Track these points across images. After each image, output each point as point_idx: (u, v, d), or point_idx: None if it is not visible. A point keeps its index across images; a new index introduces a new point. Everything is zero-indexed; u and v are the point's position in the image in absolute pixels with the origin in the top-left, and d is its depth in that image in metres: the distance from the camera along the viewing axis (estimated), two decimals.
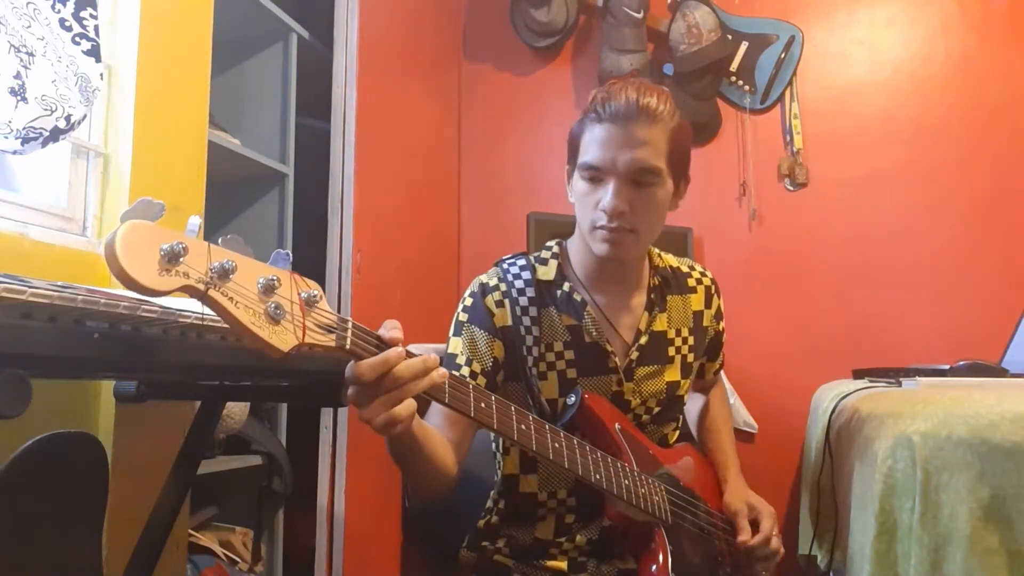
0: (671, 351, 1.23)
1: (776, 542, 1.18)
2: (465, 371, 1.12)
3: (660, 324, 1.22)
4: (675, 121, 1.13)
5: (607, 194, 1.09)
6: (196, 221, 0.61)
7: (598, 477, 1.01)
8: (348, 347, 0.74)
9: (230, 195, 2.13)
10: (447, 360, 1.15)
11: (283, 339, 0.66)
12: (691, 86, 2.56)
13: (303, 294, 0.70)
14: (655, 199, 1.12)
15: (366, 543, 2.03)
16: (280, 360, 0.67)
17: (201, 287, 0.60)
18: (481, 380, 1.12)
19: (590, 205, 1.13)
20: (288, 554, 2.07)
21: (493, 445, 1.27)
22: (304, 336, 0.68)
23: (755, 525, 1.19)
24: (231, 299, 0.62)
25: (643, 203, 1.11)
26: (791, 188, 2.52)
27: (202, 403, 1.28)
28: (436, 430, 1.06)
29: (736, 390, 2.33)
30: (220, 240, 0.64)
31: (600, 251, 1.13)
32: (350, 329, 0.75)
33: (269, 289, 0.65)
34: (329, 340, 0.72)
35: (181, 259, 0.58)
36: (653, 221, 1.14)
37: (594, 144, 1.11)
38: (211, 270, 0.61)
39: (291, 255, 0.69)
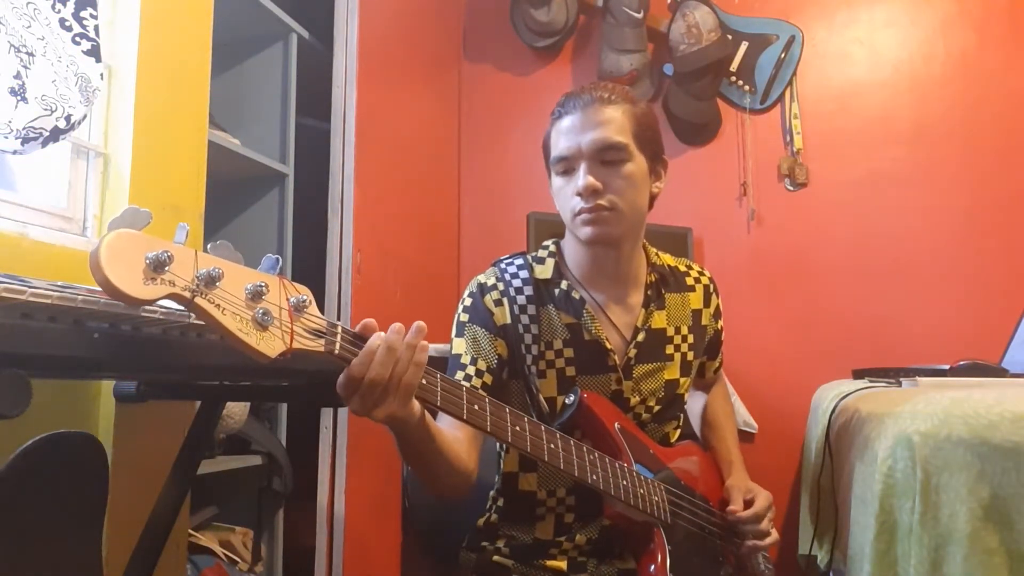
0: (669, 349, 1.23)
1: (767, 524, 1.18)
2: (471, 370, 1.12)
3: (658, 321, 1.22)
4: (637, 106, 1.16)
5: (578, 177, 1.12)
6: (184, 228, 0.62)
7: (595, 478, 1.01)
8: (336, 352, 0.74)
9: (230, 195, 2.13)
10: (452, 361, 1.15)
11: (270, 345, 0.67)
12: (691, 86, 2.56)
13: (292, 299, 0.70)
14: (627, 174, 1.13)
15: (366, 543, 2.03)
16: (272, 363, 0.67)
17: (187, 295, 0.61)
18: (487, 378, 1.12)
19: (567, 196, 1.15)
20: (288, 554, 2.07)
21: (497, 444, 1.27)
22: (292, 342, 0.69)
23: (750, 506, 1.20)
24: (218, 306, 0.63)
25: (615, 179, 1.12)
26: (791, 188, 2.52)
27: (202, 403, 1.28)
28: (447, 428, 1.06)
29: (736, 390, 2.33)
30: (208, 247, 0.64)
31: (584, 235, 1.13)
32: (339, 334, 0.75)
33: (257, 295, 0.66)
34: (317, 345, 0.72)
35: (167, 268, 0.59)
36: (630, 197, 1.14)
37: (560, 137, 1.15)
38: (197, 278, 0.61)
39: (281, 259, 0.70)
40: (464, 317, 1.17)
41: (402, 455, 0.96)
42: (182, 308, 0.75)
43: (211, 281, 0.62)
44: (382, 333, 0.78)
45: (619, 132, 1.12)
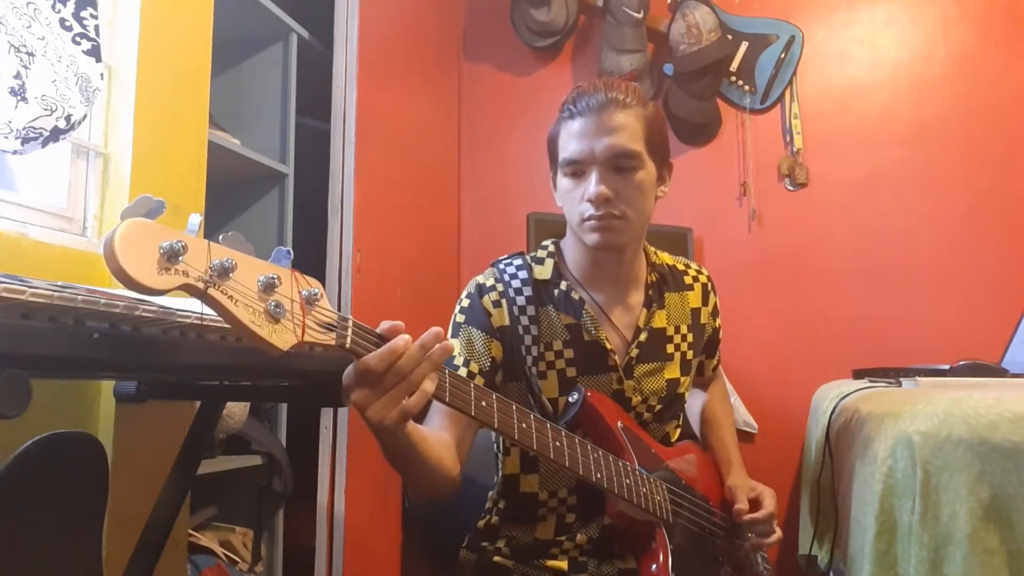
0: (670, 348, 1.23)
1: (773, 523, 1.18)
2: (463, 372, 1.12)
3: (659, 321, 1.22)
4: (648, 109, 1.15)
5: (590, 184, 1.10)
6: (196, 219, 0.61)
7: (599, 476, 1.01)
8: (348, 345, 0.74)
9: (230, 195, 2.13)
10: (445, 363, 1.14)
11: (283, 338, 0.66)
12: (691, 86, 2.56)
13: (304, 292, 0.69)
14: (638, 182, 1.12)
15: (366, 543, 2.03)
16: (280, 358, 0.67)
17: (201, 286, 0.60)
18: (479, 380, 1.12)
19: (576, 200, 1.13)
20: (288, 554, 2.07)
21: (495, 446, 1.26)
22: (304, 334, 0.68)
23: (756, 504, 1.20)
24: (231, 297, 0.62)
25: (627, 188, 1.11)
26: (791, 188, 2.52)
27: (202, 403, 1.28)
28: (437, 430, 1.06)
29: (736, 390, 2.33)
30: (221, 237, 0.63)
31: (592, 241, 1.13)
32: (350, 327, 0.74)
33: (269, 287, 0.65)
34: (329, 338, 0.72)
35: (180, 257, 0.58)
36: (640, 205, 1.13)
37: (571, 139, 1.13)
38: (211, 268, 0.60)
39: (292, 252, 0.69)
40: (460, 318, 1.17)
41: (386, 457, 0.95)
42: (184, 309, 0.76)
43: (224, 272, 0.61)
44: (407, 336, 0.78)
45: (633, 139, 1.11)
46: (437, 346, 0.80)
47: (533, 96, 2.80)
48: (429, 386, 0.79)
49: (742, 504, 1.19)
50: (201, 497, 1.94)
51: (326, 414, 1.99)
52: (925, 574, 1.01)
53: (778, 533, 1.18)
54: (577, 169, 1.13)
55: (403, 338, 0.77)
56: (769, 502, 1.19)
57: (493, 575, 1.18)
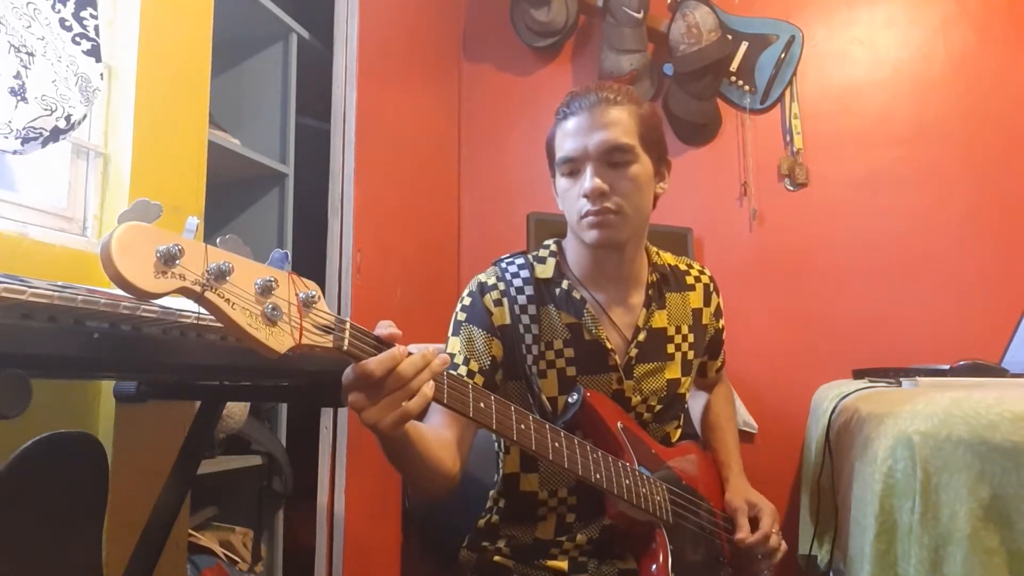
0: (670, 348, 1.23)
1: (776, 539, 1.17)
2: (463, 370, 1.12)
3: (659, 321, 1.22)
4: (642, 107, 1.16)
5: (585, 179, 1.12)
6: (194, 222, 0.61)
7: (598, 477, 1.01)
8: (346, 348, 0.74)
9: (230, 195, 2.13)
10: None
11: (280, 340, 0.66)
12: (691, 86, 2.56)
13: (301, 295, 0.69)
14: (633, 176, 1.12)
15: (366, 543, 2.03)
16: (277, 361, 0.67)
17: (197, 289, 0.60)
18: (479, 379, 1.12)
19: (573, 197, 1.14)
20: (288, 554, 2.07)
21: (496, 444, 1.26)
22: (301, 337, 0.68)
23: (755, 523, 1.19)
24: (227, 300, 0.62)
25: (621, 182, 1.12)
26: (791, 188, 2.52)
27: (202, 403, 1.28)
28: (436, 428, 1.06)
29: (736, 390, 2.31)
30: (218, 240, 0.64)
31: (590, 238, 1.13)
32: (348, 330, 0.74)
33: (266, 290, 0.65)
34: (327, 341, 0.72)
35: (177, 261, 0.58)
36: (637, 200, 1.14)
37: (566, 139, 1.14)
38: (208, 272, 0.61)
39: (290, 255, 0.69)
40: (461, 316, 1.17)
41: (386, 456, 0.95)
42: (184, 309, 0.76)
43: (221, 275, 0.61)
44: (403, 347, 0.78)
45: (625, 134, 1.12)
46: (438, 357, 0.81)
47: (533, 96, 2.80)
48: (429, 390, 0.80)
49: (743, 532, 1.17)
50: (201, 497, 1.94)
51: (326, 414, 1.99)
52: (925, 574, 1.01)
53: (783, 547, 1.18)
54: (573, 167, 1.14)
55: (400, 348, 0.77)
56: (766, 521, 1.17)
57: (493, 575, 1.18)
